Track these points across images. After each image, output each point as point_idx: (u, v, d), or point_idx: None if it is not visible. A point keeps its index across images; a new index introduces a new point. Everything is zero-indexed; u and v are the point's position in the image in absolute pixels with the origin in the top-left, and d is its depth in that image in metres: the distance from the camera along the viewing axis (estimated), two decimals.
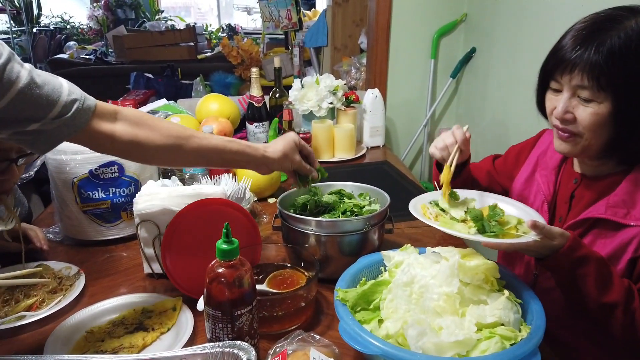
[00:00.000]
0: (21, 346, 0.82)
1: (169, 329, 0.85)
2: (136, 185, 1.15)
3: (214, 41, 4.99)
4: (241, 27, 6.12)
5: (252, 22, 6.25)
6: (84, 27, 5.84)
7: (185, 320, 0.86)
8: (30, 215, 1.39)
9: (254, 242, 0.98)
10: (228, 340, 0.72)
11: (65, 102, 0.73)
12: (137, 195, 1.00)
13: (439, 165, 1.08)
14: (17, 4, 5.46)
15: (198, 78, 2.77)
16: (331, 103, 1.79)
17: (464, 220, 0.80)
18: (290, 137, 1.00)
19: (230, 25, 5.98)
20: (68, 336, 0.81)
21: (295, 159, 0.99)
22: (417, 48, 2.40)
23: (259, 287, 0.87)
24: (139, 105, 2.58)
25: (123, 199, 1.13)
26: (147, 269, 1.02)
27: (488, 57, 2.21)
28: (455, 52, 2.41)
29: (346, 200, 1.11)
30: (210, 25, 6.07)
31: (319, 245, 0.98)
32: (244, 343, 0.69)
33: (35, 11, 5.75)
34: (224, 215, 0.96)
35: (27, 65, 0.70)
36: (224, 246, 0.71)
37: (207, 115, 1.64)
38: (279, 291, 0.88)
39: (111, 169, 1.11)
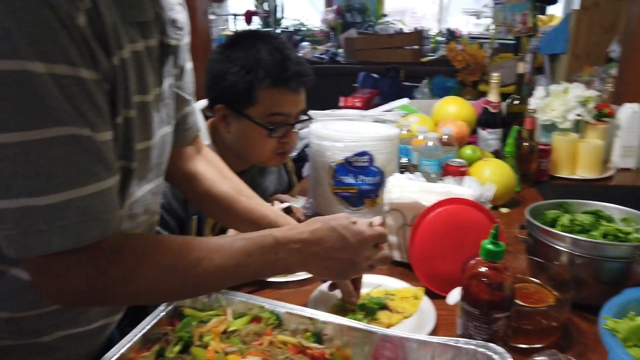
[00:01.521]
0: (284, 299, 0.96)
1: (410, 315, 0.89)
2: (381, 176, 1.23)
3: (432, 45, 5.01)
4: (461, 31, 6.01)
5: (474, 26, 6.07)
6: (316, 29, 6.44)
7: (428, 311, 0.88)
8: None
9: None
10: (481, 340, 0.72)
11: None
12: (388, 184, 1.06)
13: None
14: (266, 8, 6.31)
15: (425, 80, 2.82)
16: (579, 115, 1.63)
17: None
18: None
19: (450, 29, 5.92)
20: (325, 299, 0.92)
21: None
22: None
23: None
24: (366, 103, 2.75)
25: (369, 187, 1.23)
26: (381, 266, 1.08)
27: None
28: None
29: (604, 222, 1.00)
30: (431, 29, 6.10)
31: (571, 265, 0.91)
32: (499, 347, 0.68)
33: (279, 14, 6.56)
34: (472, 217, 0.96)
35: None
36: (490, 247, 0.71)
37: (445, 117, 1.66)
38: (531, 305, 0.84)
39: (363, 158, 1.20)
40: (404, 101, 1.75)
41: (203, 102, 1.21)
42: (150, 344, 0.73)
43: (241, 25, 5.78)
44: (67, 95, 0.49)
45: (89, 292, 0.55)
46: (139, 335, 0.72)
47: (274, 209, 0.99)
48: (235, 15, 5.68)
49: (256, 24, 6.05)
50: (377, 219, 0.81)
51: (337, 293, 0.94)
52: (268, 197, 1.26)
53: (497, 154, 1.63)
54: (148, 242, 0.61)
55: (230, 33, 5.59)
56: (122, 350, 0.68)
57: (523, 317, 0.81)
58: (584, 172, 1.62)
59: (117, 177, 0.57)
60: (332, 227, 0.71)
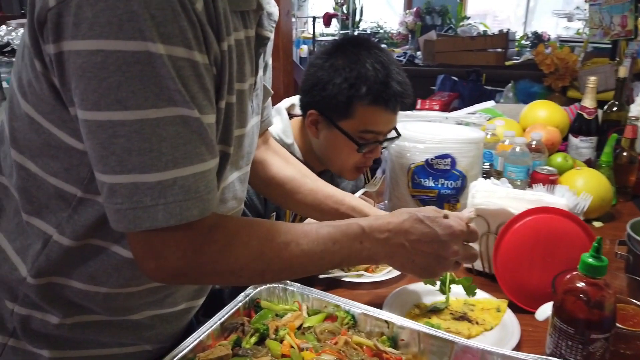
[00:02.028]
0: (357, 300, 0.94)
1: (492, 328, 0.84)
2: (463, 180, 1.18)
3: (517, 49, 4.79)
4: (548, 34, 5.69)
5: (564, 29, 5.73)
6: (394, 32, 6.38)
7: (511, 325, 0.83)
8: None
9: None
10: None
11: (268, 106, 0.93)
12: (472, 189, 1.01)
13: None
14: (345, 11, 6.35)
15: (509, 84, 2.70)
16: None
17: None
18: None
19: (537, 33, 5.63)
20: (401, 304, 0.89)
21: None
22: None
23: None
24: (444, 106, 2.66)
25: (449, 191, 1.18)
26: (467, 264, 1.03)
27: None
28: None
29: None
30: (516, 32, 5.83)
31: None
32: None
33: (357, 17, 6.57)
34: (565, 228, 0.90)
35: None
36: (592, 261, 0.65)
37: (534, 121, 1.56)
38: (631, 329, 0.77)
39: (445, 161, 1.16)
40: (489, 104, 1.67)
41: (288, 101, 1.22)
42: (228, 332, 0.74)
43: (320, 28, 5.86)
44: (181, 77, 0.51)
45: (183, 269, 0.56)
46: (217, 323, 0.73)
47: (339, 190, 0.98)
48: (314, 17, 5.75)
49: (334, 26, 6.12)
50: (467, 212, 0.76)
51: (413, 298, 0.91)
52: None
53: (589, 164, 1.51)
54: (239, 223, 0.62)
55: (309, 35, 5.69)
56: (202, 337, 0.70)
57: (621, 341, 0.73)
58: None
59: (217, 160, 0.58)
60: (420, 219, 0.68)
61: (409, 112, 1.46)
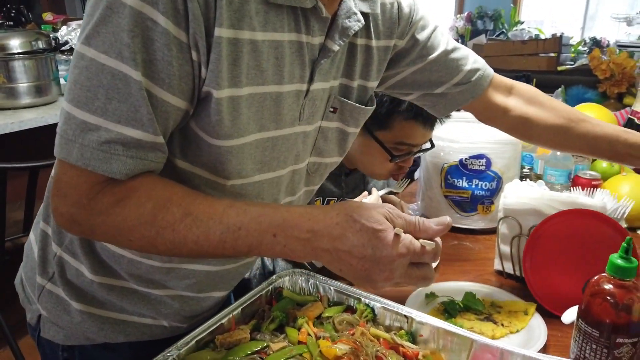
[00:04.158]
0: (382, 295, 0.93)
1: (517, 331, 0.82)
2: (498, 182, 1.15)
3: (572, 54, 4.60)
4: (607, 40, 5.44)
5: (625, 35, 5.45)
6: None
7: (537, 329, 0.81)
8: None
9: None
10: None
11: (469, 69, 0.81)
12: (505, 189, 0.99)
13: None
14: None
15: (559, 89, 2.60)
16: None
17: None
18: None
19: (596, 38, 5.39)
20: (424, 303, 0.88)
21: None
22: None
23: None
24: None
25: (483, 192, 1.16)
26: (497, 266, 1.01)
27: None
28: None
29: None
30: (572, 37, 5.61)
31: None
32: None
33: None
34: (600, 232, 0.86)
35: (446, 35, 0.81)
36: (620, 262, 0.62)
37: None
38: None
39: (479, 161, 1.14)
40: None
41: None
42: (249, 318, 0.76)
43: None
44: (143, 37, 0.51)
45: (76, 215, 0.56)
46: (239, 309, 0.75)
47: (613, 127, 0.88)
48: None
49: None
50: (435, 224, 0.58)
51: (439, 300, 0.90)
52: None
53: (638, 171, 1.43)
54: (145, 180, 0.57)
55: None
56: (223, 321, 0.72)
57: None
58: None
59: (156, 138, 0.55)
60: (357, 229, 0.54)
61: None
